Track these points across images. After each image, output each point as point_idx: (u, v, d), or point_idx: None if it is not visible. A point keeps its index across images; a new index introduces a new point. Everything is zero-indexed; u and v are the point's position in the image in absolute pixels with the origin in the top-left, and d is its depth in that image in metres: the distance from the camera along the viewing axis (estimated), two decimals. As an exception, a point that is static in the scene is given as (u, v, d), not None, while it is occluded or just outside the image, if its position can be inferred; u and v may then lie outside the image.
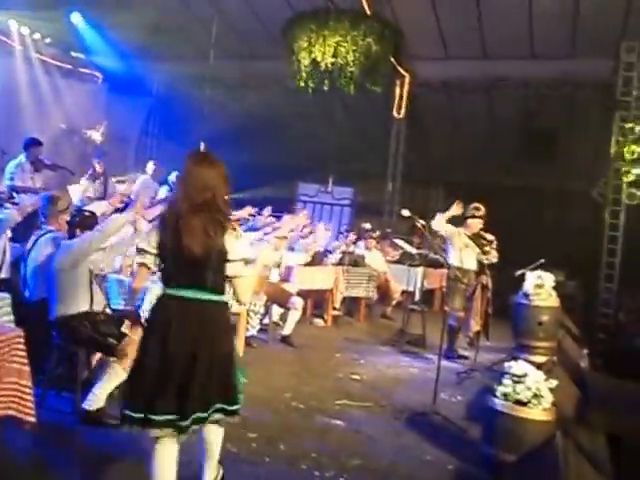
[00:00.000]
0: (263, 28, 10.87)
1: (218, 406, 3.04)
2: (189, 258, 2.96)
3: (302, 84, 9.85)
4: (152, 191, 9.40)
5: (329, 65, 9.22)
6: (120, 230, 4.62)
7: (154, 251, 3.06)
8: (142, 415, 2.90)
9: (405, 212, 5.65)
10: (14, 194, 7.15)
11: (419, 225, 5.67)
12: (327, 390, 5.75)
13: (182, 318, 2.98)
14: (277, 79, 11.10)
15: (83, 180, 8.41)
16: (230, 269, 3.08)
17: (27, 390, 3.22)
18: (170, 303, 3.02)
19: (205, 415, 2.99)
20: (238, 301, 3.33)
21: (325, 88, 9.86)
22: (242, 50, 11.62)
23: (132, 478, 3.64)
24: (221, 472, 3.48)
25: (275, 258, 7.46)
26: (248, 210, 7.51)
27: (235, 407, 3.11)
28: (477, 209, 7.27)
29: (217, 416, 3.05)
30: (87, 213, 4.77)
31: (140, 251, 3.13)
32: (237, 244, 3.14)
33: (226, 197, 3.13)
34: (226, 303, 3.16)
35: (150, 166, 9.93)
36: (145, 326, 3.20)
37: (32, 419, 3.25)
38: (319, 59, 9.21)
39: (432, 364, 6.88)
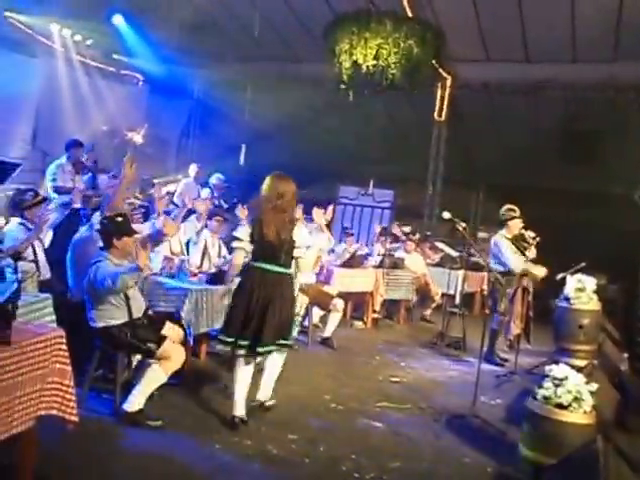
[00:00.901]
0: (304, 30, 10.93)
1: (281, 341, 4.57)
2: (268, 243, 4.47)
3: (343, 86, 9.89)
4: (194, 193, 9.55)
5: (370, 67, 9.22)
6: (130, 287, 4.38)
7: (248, 239, 4.56)
8: (233, 340, 4.47)
9: (446, 214, 5.65)
10: (56, 195, 7.35)
11: (460, 228, 5.67)
12: (367, 392, 5.79)
13: (261, 282, 4.50)
14: (317, 81, 11.15)
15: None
16: (296, 252, 4.61)
17: (69, 390, 3.27)
18: (255, 271, 4.54)
19: (273, 346, 4.54)
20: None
21: (366, 91, 9.89)
22: (282, 52, 11.71)
23: (169, 477, 3.72)
24: (274, 401, 4.96)
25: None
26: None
27: (290, 342, 4.74)
28: (513, 210, 7.23)
29: (276, 347, 4.57)
30: (119, 218, 4.53)
31: (236, 239, 4.65)
32: (301, 234, 4.65)
33: (293, 202, 4.63)
34: (291, 274, 4.67)
35: (193, 168, 10.06)
36: (237, 285, 4.66)
37: (74, 418, 3.30)
38: (360, 61, 9.21)
39: (472, 367, 6.87)
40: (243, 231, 4.63)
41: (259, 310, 4.43)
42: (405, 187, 13.04)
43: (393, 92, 9.98)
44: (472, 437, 4.84)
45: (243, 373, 4.56)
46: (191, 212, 7.26)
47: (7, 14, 9.19)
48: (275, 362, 4.86)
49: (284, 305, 4.53)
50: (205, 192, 9.50)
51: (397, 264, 9.23)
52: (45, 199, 5.33)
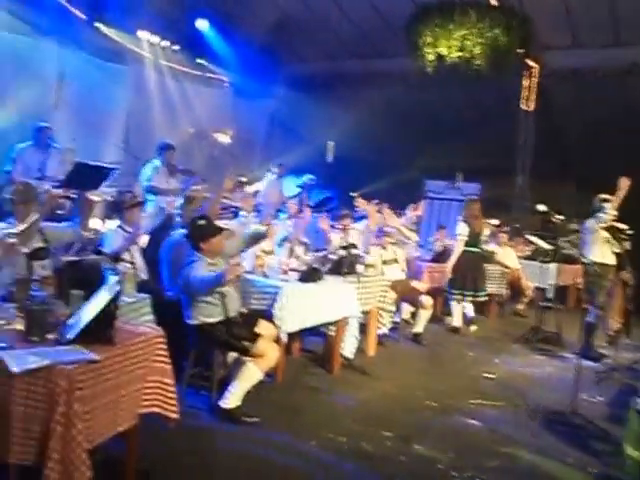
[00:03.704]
0: (386, 25, 10.83)
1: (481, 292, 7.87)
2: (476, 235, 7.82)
3: (427, 80, 9.76)
4: (278, 192, 9.65)
5: (455, 59, 9.05)
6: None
7: (467, 232, 7.72)
8: (460, 291, 7.72)
9: (541, 207, 5.48)
10: (152, 196, 7.58)
11: (556, 220, 5.47)
12: (460, 389, 5.69)
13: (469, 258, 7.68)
14: (400, 76, 11.04)
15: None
16: None
17: (170, 388, 3.33)
18: (468, 254, 7.65)
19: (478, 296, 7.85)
20: None
21: (450, 83, 9.72)
22: (364, 48, 11.65)
23: (266, 474, 3.75)
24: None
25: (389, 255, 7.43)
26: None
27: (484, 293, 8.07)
28: (607, 200, 6.90)
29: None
30: (201, 222, 4.55)
31: (459, 234, 7.77)
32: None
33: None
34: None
35: (276, 168, 10.18)
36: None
37: (175, 415, 3.36)
38: (444, 53, 9.07)
39: (568, 363, 6.69)
40: (463, 227, 7.69)
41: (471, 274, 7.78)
42: (493, 179, 12.68)
43: (478, 83, 9.75)
44: (573, 436, 4.67)
45: (460, 312, 7.98)
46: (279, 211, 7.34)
47: (97, 25, 9.55)
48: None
49: (482, 270, 8.07)
50: (294, 191, 9.58)
51: (488, 258, 9.00)
52: (142, 202, 5.51)
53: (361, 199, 6.47)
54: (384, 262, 7.10)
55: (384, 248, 7.18)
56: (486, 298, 8.35)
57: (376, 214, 7.15)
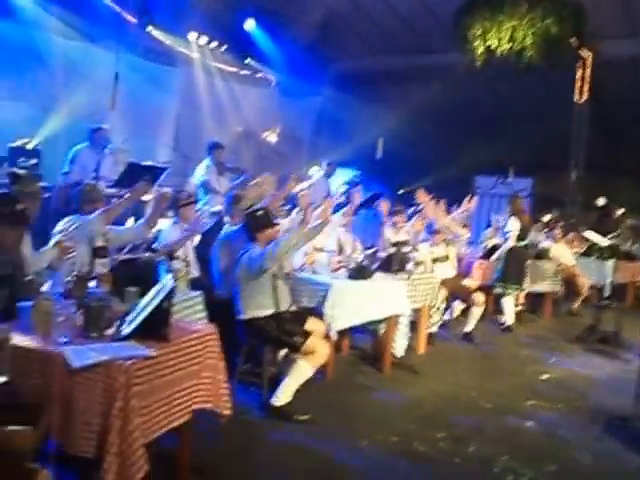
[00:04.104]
0: (432, 19, 10.70)
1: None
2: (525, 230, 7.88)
3: (475, 74, 9.60)
4: (325, 190, 9.63)
5: (505, 51, 8.86)
6: (295, 247, 4.54)
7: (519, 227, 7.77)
8: (518, 285, 7.76)
9: (601, 201, 5.32)
10: (202, 193, 7.65)
11: (618, 214, 5.29)
12: (514, 389, 5.56)
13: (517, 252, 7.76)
14: (447, 70, 10.88)
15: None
16: None
17: (223, 384, 3.35)
18: (516, 248, 7.74)
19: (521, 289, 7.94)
20: None
21: (499, 76, 9.54)
22: (410, 43, 11.52)
23: (319, 472, 3.73)
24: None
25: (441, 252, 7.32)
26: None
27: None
28: None
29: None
30: (260, 212, 4.68)
31: (510, 231, 7.70)
32: None
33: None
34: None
35: (323, 165, 10.16)
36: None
37: (228, 412, 3.37)
38: (494, 46, 8.89)
39: (629, 364, 6.45)
40: (514, 222, 7.67)
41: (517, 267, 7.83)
42: (545, 174, 12.42)
43: (528, 75, 9.55)
44: (636, 441, 4.47)
45: (511, 304, 7.83)
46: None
47: (148, 28, 9.71)
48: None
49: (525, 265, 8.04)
50: (342, 188, 9.55)
51: (542, 254, 8.80)
52: (196, 201, 5.60)
53: (422, 192, 6.51)
54: (435, 259, 7.00)
55: (435, 245, 7.08)
56: (525, 291, 8.31)
57: (436, 209, 7.06)
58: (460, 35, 9.61)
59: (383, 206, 7.09)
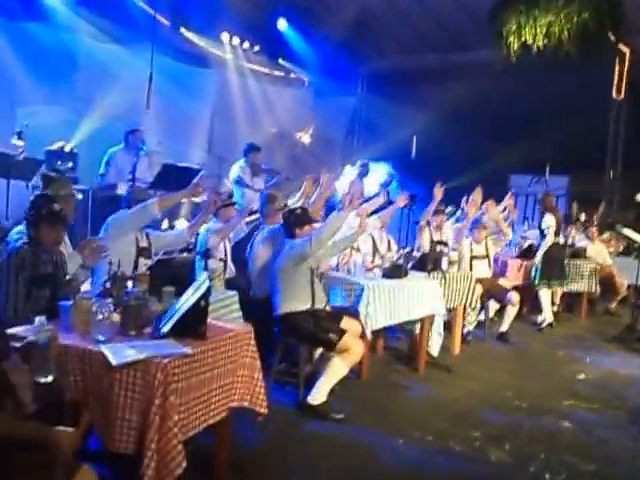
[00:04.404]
0: (466, 16, 10.60)
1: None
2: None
3: (510, 70, 9.49)
4: (358, 189, 9.61)
5: (541, 47, 8.74)
6: (337, 231, 4.64)
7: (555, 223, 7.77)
8: (561, 280, 7.96)
9: (639, 197, 5.22)
10: (238, 190, 7.72)
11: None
12: (551, 389, 5.51)
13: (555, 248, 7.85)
14: (482, 68, 10.78)
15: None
16: None
17: (259, 383, 3.37)
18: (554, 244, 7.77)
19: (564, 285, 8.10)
20: None
21: (535, 72, 9.41)
22: (444, 41, 11.43)
23: (355, 471, 3.73)
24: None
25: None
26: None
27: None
28: None
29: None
30: (298, 210, 4.85)
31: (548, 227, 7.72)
32: None
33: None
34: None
35: (357, 166, 10.14)
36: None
37: (264, 410, 3.40)
38: (530, 42, 8.77)
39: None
40: (551, 219, 7.66)
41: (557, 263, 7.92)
42: (581, 172, 12.21)
43: (565, 71, 9.40)
44: (677, 442, 4.41)
45: (549, 298, 7.88)
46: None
47: (182, 30, 9.81)
48: None
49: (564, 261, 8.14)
50: (375, 188, 9.55)
51: (578, 253, 8.67)
52: (235, 202, 5.66)
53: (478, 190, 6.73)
54: (474, 257, 6.95)
55: (477, 243, 7.02)
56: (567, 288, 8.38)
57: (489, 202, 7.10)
58: (495, 31, 9.50)
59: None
